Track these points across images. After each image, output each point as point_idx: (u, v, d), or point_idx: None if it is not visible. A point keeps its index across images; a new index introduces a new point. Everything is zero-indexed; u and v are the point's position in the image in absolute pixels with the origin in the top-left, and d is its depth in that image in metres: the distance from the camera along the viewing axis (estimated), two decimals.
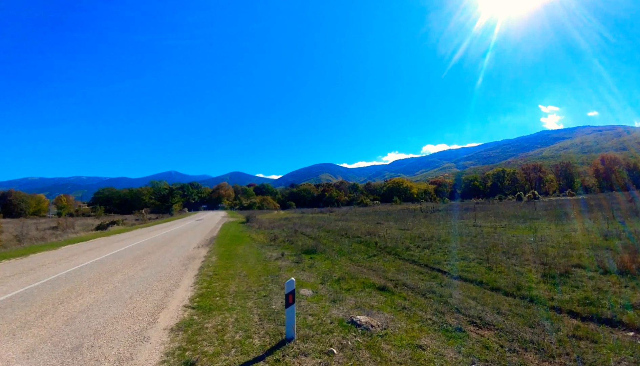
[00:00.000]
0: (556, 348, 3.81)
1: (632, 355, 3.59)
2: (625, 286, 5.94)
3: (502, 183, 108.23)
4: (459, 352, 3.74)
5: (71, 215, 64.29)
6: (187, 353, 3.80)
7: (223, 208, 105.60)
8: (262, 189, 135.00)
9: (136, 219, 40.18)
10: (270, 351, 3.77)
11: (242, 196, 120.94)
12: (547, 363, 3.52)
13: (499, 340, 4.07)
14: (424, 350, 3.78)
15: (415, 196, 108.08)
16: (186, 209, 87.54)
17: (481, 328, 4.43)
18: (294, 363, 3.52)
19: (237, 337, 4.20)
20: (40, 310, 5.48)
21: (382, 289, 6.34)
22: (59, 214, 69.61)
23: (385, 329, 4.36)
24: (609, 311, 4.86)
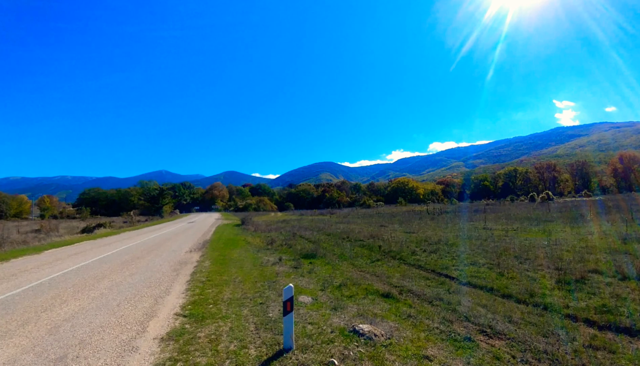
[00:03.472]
0: (571, 358, 3.81)
1: None
2: None
3: (514, 183, 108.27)
4: (468, 363, 3.74)
5: (55, 217, 64.30)
6: (178, 364, 3.80)
7: (217, 210, 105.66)
8: (259, 189, 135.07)
9: (124, 222, 40.18)
10: (267, 362, 3.77)
11: (237, 197, 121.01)
12: None
13: (511, 350, 4.07)
14: (430, 360, 3.78)
15: (421, 196, 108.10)
16: (177, 210, 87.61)
17: (492, 338, 4.43)
18: None
19: (232, 347, 4.20)
20: (22, 319, 5.48)
21: (386, 296, 6.35)
22: (42, 216, 69.64)
23: (389, 338, 4.36)
24: (627, 319, 4.86)
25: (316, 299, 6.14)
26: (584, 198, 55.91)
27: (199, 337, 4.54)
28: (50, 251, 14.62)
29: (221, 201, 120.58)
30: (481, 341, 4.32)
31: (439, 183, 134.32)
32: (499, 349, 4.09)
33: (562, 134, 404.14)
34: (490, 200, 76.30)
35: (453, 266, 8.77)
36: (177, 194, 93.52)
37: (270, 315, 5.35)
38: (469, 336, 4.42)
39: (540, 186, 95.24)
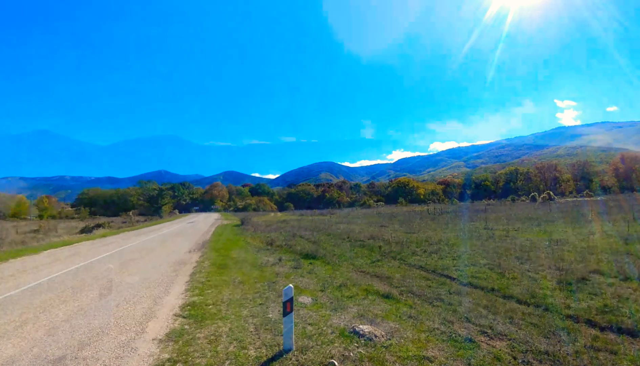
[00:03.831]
0: (573, 359, 3.81)
1: None
2: None
3: (515, 183, 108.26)
4: (469, 364, 3.74)
5: (54, 217, 64.28)
6: (177, 365, 3.80)
7: (216, 210, 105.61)
8: (258, 189, 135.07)
9: (123, 222, 40.17)
10: (267, 363, 3.77)
11: (237, 197, 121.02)
12: None
13: (512, 351, 4.07)
14: (431, 361, 3.78)
15: (422, 197, 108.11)
16: (177, 211, 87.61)
17: (493, 339, 4.43)
18: None
19: (231, 348, 4.20)
20: (20, 319, 5.48)
21: (386, 296, 6.35)
22: (40, 217, 69.59)
23: (389, 339, 4.36)
24: (629, 320, 4.87)
25: (316, 300, 6.14)
26: (586, 198, 55.92)
27: (199, 338, 4.53)
28: (48, 251, 14.61)
29: (221, 201, 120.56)
30: (482, 342, 4.32)
31: (440, 183, 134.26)
32: (500, 350, 4.09)
33: (564, 134, 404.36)
34: (491, 200, 76.32)
35: (454, 266, 8.77)
36: (176, 194, 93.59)
37: (270, 315, 5.35)
38: (469, 337, 4.42)
39: (542, 186, 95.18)
